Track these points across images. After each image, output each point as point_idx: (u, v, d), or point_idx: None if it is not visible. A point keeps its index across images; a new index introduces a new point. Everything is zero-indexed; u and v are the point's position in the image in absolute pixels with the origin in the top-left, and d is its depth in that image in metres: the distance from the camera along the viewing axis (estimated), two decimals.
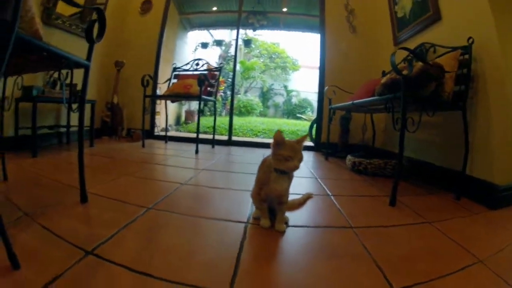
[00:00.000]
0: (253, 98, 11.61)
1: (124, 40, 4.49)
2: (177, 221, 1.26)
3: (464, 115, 1.87)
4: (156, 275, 0.80)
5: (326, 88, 3.68)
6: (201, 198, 1.67)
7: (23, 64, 1.38)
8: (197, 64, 4.26)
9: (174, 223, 1.23)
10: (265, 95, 12.41)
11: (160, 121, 4.98)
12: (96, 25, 1.37)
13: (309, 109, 11.90)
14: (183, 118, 7.56)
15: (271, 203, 1.26)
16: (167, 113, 4.33)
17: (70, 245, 0.89)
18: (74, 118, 3.33)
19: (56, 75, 1.40)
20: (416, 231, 1.30)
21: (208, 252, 0.99)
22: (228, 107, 7.19)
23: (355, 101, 2.53)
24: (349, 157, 2.75)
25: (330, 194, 1.81)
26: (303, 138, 1.18)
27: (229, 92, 8.54)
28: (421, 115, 1.78)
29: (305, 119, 9.87)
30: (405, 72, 1.70)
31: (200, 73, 3.50)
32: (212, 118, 4.62)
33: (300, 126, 7.81)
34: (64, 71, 1.28)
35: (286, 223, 1.26)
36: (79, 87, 2.98)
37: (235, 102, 10.05)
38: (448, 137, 2.20)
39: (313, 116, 7.76)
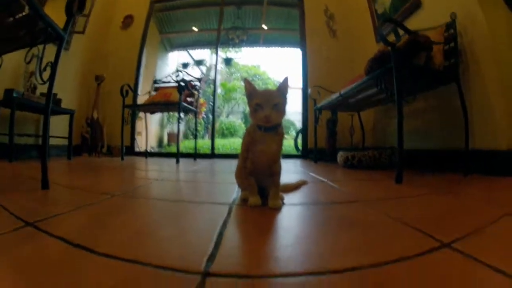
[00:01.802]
0: (236, 120, 11.48)
1: (105, 53, 4.39)
2: (144, 204, 1.02)
3: (458, 86, 1.80)
4: (98, 250, 0.57)
5: (309, 90, 3.55)
6: (177, 188, 1.44)
7: None
8: (177, 76, 4.10)
9: (139, 206, 0.99)
10: (247, 118, 12.29)
11: (141, 142, 4.71)
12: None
13: (292, 129, 11.80)
14: (165, 141, 7.29)
15: (261, 179, 1.02)
16: (146, 124, 4.10)
17: (14, 218, 0.78)
18: (54, 129, 3.11)
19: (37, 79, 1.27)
20: (438, 198, 1.13)
21: (179, 229, 0.74)
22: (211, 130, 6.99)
23: (342, 92, 2.37)
24: (340, 153, 2.55)
25: (327, 180, 1.59)
26: (284, 83, 0.96)
27: (211, 116, 8.39)
28: (417, 87, 1.68)
29: (287, 139, 9.74)
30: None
31: (180, 79, 3.36)
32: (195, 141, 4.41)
33: (284, 143, 7.63)
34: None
35: (282, 200, 1.02)
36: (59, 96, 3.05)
37: (218, 125, 9.93)
38: (445, 118, 2.10)
39: None
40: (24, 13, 1.21)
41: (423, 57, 1.74)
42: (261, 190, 1.03)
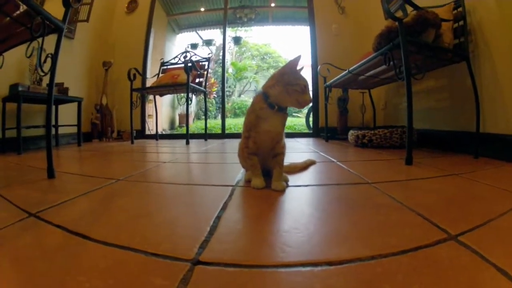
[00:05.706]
0: (247, 99, 11.36)
1: (111, 40, 4.34)
2: (146, 188, 1.02)
3: (468, 65, 1.71)
4: (93, 237, 0.57)
5: (319, 67, 3.44)
6: (182, 170, 1.43)
7: None
8: (185, 57, 4.03)
9: (141, 191, 0.99)
10: None
11: (152, 125, 4.72)
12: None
13: (305, 108, 11.63)
14: (177, 123, 7.31)
15: (264, 159, 1.00)
16: (156, 106, 4.12)
17: (18, 209, 0.78)
18: (63, 117, 3.18)
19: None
20: (447, 181, 1.07)
21: (177, 213, 0.73)
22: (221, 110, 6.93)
23: (351, 69, 2.30)
24: (351, 131, 2.50)
25: (336, 160, 1.55)
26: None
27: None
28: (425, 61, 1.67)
29: (300, 117, 9.62)
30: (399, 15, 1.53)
31: (187, 60, 3.30)
32: (208, 120, 4.37)
33: (296, 121, 7.56)
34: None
35: (286, 182, 1.00)
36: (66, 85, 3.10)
37: (230, 104, 9.88)
38: (456, 99, 2.01)
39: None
40: (19, 11, 1.22)
41: (431, 34, 1.67)
42: (265, 172, 1.01)
